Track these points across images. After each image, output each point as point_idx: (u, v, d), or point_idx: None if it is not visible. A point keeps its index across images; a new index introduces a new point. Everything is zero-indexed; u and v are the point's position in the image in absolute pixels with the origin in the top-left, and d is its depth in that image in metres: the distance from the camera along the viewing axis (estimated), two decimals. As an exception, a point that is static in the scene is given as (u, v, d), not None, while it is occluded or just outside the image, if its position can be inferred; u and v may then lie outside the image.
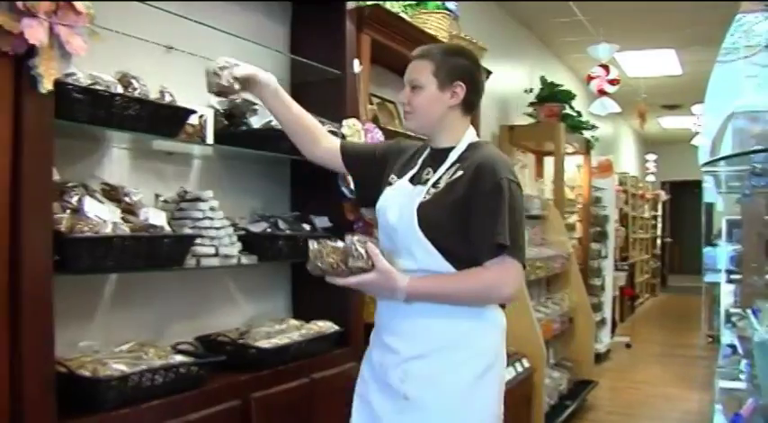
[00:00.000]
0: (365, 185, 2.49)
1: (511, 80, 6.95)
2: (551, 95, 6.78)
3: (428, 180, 2.18)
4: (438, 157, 2.23)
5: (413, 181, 2.23)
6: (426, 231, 2.07)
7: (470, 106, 2.26)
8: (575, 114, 7.14)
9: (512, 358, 4.59)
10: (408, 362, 2.12)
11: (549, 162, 7.57)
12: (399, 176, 2.29)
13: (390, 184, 2.30)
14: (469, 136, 2.25)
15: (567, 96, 6.92)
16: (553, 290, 6.52)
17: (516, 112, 6.90)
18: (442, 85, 2.18)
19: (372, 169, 2.42)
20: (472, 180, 2.09)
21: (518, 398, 4.51)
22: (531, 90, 6.91)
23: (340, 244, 2.04)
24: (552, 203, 6.58)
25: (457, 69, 2.19)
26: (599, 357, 7.71)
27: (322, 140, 2.46)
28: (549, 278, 6.29)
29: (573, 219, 7.91)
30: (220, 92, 2.28)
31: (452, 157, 2.19)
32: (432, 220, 2.08)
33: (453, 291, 2.08)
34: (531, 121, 6.85)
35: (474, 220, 2.05)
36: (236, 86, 2.25)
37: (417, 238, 2.08)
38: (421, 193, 2.14)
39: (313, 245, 2.05)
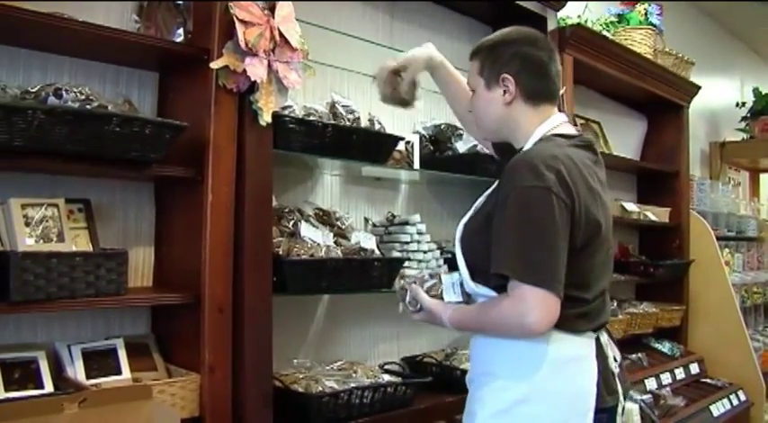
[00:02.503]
0: None
1: (721, 94, 6.59)
2: (767, 108, 6.37)
3: None
4: None
5: None
6: (464, 252, 1.81)
7: (535, 95, 1.82)
8: (793, 128, 6.65)
9: (726, 390, 4.34)
10: (469, 384, 1.88)
11: (765, 179, 7.18)
12: None
13: None
14: (539, 132, 1.81)
15: (786, 108, 6.47)
16: (772, 317, 6.07)
17: (727, 128, 6.54)
18: (488, 83, 1.84)
19: None
20: (496, 190, 1.76)
21: (734, 433, 4.23)
22: (743, 104, 6.53)
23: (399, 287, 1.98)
24: (769, 224, 6.17)
25: (499, 61, 1.81)
26: (828, 393, 7.05)
27: None
28: (767, 305, 5.88)
29: (794, 240, 7.35)
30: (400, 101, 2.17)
31: None
32: (467, 238, 1.82)
33: (477, 322, 1.77)
34: (744, 136, 6.48)
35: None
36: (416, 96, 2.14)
37: (459, 258, 1.83)
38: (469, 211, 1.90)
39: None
